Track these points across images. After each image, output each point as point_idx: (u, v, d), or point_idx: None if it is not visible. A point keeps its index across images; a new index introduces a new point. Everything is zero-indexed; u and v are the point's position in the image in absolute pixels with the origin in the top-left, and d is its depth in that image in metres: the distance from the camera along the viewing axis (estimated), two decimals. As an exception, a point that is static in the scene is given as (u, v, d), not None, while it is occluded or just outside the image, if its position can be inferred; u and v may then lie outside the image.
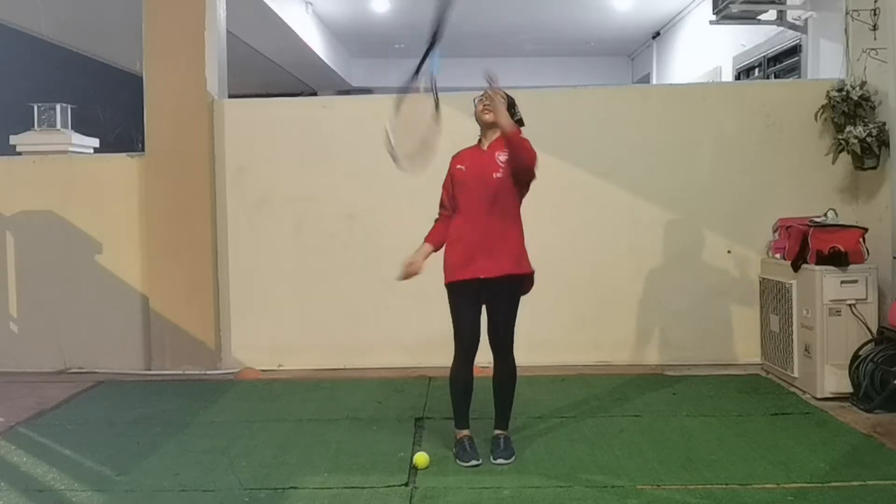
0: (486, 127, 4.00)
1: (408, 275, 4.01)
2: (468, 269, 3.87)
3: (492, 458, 3.92)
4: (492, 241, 3.87)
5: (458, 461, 3.90)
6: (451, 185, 4.03)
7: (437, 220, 4.16)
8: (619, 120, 5.92)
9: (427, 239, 4.10)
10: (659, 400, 4.98)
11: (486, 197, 3.88)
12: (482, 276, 3.86)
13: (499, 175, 3.88)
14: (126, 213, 6.00)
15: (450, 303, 3.98)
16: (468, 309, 3.94)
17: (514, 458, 3.94)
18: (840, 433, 4.31)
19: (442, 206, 4.13)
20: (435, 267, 5.91)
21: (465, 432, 4.02)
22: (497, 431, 4.06)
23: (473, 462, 3.88)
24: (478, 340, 3.95)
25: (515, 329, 3.99)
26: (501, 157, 3.90)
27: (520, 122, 3.97)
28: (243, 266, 6.04)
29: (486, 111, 3.95)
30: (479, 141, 4.09)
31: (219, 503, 3.55)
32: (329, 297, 6.00)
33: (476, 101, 4.04)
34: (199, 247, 5.93)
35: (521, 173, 3.87)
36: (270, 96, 6.77)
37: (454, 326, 3.97)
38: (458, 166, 4.01)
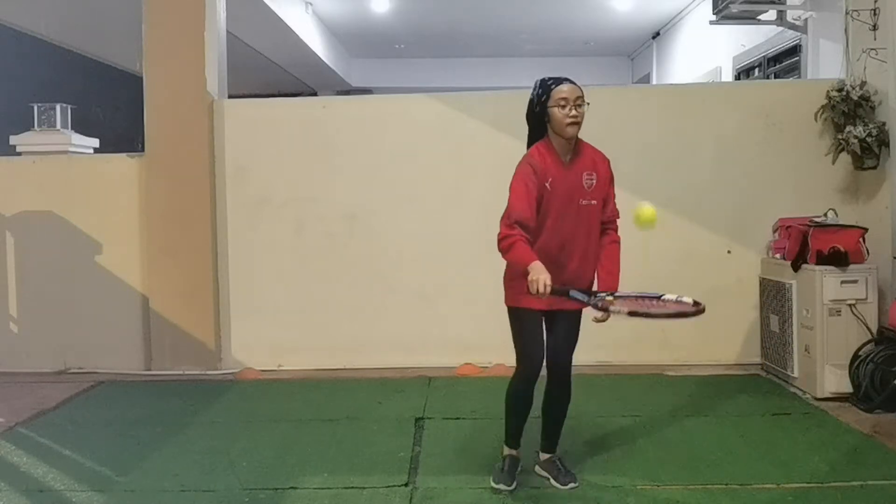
0: (565, 139, 3.44)
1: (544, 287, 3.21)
2: (542, 301, 3.36)
3: (559, 484, 3.62)
4: (578, 273, 3.48)
5: (492, 479, 3.64)
6: (537, 197, 3.40)
7: (517, 239, 3.33)
8: (619, 120, 5.91)
9: (532, 257, 3.28)
10: (659, 400, 4.98)
11: (571, 225, 3.45)
12: (560, 309, 3.48)
13: (587, 202, 3.46)
14: (126, 213, 6.00)
15: (515, 323, 3.56)
16: (538, 332, 3.55)
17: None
18: (840, 433, 4.31)
19: (522, 222, 3.36)
20: (435, 267, 5.95)
21: (514, 452, 3.70)
22: (549, 455, 3.74)
23: (503, 486, 3.58)
24: (543, 360, 3.58)
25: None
26: (588, 180, 3.47)
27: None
28: (243, 266, 6.04)
29: (573, 124, 3.39)
30: (551, 147, 3.48)
31: (219, 503, 3.56)
32: (329, 297, 6.00)
33: (555, 100, 3.39)
34: (199, 247, 5.93)
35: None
36: (270, 96, 6.77)
37: (521, 348, 3.56)
38: (545, 182, 3.42)
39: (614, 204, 3.61)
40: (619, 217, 3.61)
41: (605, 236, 3.58)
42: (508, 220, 3.39)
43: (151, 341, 5.98)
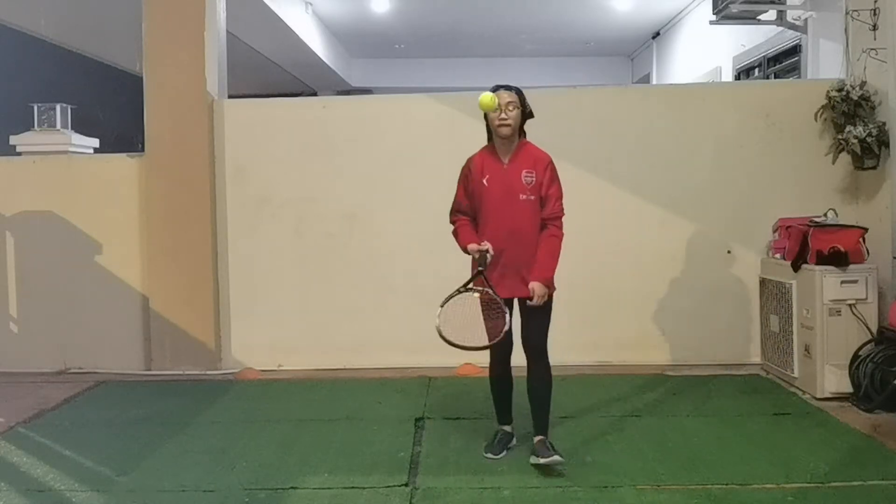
0: (501, 138, 3.91)
1: (481, 255, 3.82)
2: (499, 289, 3.82)
3: (540, 458, 3.80)
4: (521, 260, 3.86)
5: (483, 449, 4.08)
6: (471, 192, 3.94)
7: (458, 225, 3.98)
8: (619, 120, 5.92)
9: (469, 242, 3.88)
10: (659, 400, 4.99)
11: (513, 216, 3.85)
12: (515, 296, 3.90)
13: (525, 197, 3.86)
14: (126, 213, 6.00)
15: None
16: None
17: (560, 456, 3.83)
18: (840, 433, 4.31)
19: (460, 211, 3.99)
20: (433, 268, 5.94)
21: (504, 428, 4.14)
22: (539, 437, 3.93)
23: (490, 455, 4.01)
24: (511, 344, 3.96)
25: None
26: (528, 177, 3.87)
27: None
28: (243, 266, 6.04)
29: (503, 125, 3.86)
30: (493, 150, 3.97)
31: (219, 503, 3.56)
32: (329, 297, 6.00)
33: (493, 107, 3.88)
34: (199, 247, 5.93)
35: None
36: (270, 96, 6.77)
37: None
38: (482, 179, 3.91)
39: (556, 202, 3.91)
40: (562, 215, 3.93)
41: (545, 230, 3.90)
42: (451, 209, 4.02)
43: (151, 341, 5.98)
